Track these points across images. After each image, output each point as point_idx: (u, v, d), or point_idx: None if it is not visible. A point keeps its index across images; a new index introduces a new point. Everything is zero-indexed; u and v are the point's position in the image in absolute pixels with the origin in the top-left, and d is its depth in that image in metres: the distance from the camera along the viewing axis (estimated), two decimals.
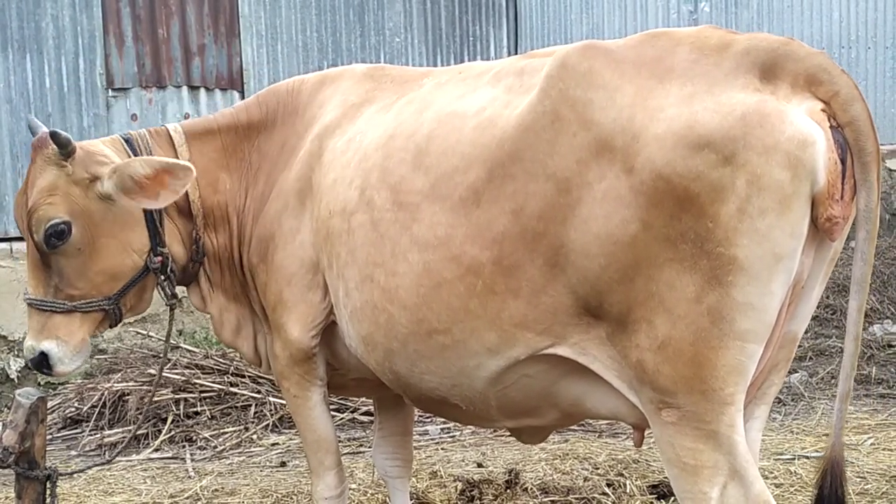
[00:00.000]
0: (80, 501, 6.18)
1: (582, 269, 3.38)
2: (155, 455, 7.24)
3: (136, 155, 4.40)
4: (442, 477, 6.15)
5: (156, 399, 7.67)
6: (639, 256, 3.27)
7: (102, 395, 7.83)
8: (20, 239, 8.98)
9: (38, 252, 4.28)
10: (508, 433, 4.36)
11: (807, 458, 6.34)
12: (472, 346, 3.68)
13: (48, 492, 4.48)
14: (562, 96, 3.44)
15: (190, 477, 6.65)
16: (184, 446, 7.37)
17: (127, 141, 4.51)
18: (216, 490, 6.24)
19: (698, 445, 3.33)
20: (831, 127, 3.20)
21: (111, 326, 4.50)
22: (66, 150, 4.23)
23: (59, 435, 7.84)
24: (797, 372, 8.39)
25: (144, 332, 8.86)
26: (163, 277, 4.47)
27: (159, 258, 4.41)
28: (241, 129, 4.65)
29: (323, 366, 4.40)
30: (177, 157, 4.47)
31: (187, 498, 6.13)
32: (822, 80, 3.24)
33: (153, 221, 4.40)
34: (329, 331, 4.31)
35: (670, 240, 3.23)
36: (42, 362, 4.31)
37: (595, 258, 3.35)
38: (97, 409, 7.77)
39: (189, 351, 8.52)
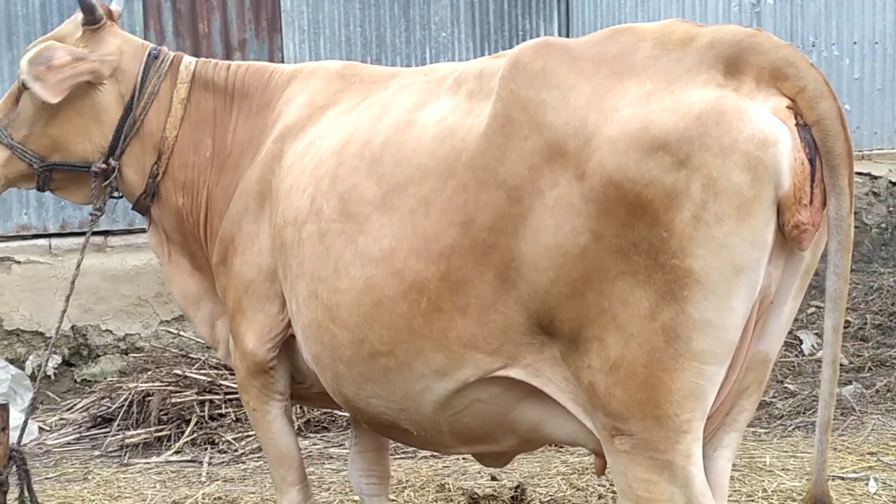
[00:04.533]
0: None
1: (532, 283, 3.13)
2: (174, 458, 7.10)
3: (146, 73, 4.46)
4: (450, 490, 5.90)
5: (180, 400, 7.55)
6: (589, 269, 3.01)
7: (130, 394, 7.72)
8: (58, 235, 8.96)
9: (18, 85, 4.41)
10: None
11: (842, 478, 5.95)
12: (418, 368, 3.43)
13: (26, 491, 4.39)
14: (513, 97, 3.18)
15: (202, 482, 6.50)
16: (205, 449, 7.23)
17: (149, 55, 4.52)
18: (217, 498, 6.06)
19: (652, 476, 3.05)
20: (798, 125, 2.89)
21: (36, 189, 4.58)
22: (87, 17, 4.39)
23: (87, 434, 7.75)
24: (851, 384, 7.95)
25: (175, 332, 8.76)
26: (98, 184, 4.46)
27: (104, 166, 4.43)
28: (229, 99, 4.49)
29: (284, 379, 4.19)
30: (174, 93, 4.47)
31: None
32: (787, 74, 2.94)
33: (121, 130, 4.42)
34: (289, 343, 4.09)
35: (622, 251, 2.96)
36: None
37: (545, 271, 3.09)
38: (123, 409, 7.66)
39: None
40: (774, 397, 7.86)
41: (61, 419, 8.08)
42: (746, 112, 2.86)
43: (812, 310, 9.09)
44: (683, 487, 3.02)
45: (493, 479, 6.15)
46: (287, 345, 4.12)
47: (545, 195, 3.08)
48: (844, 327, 9.07)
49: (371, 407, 3.68)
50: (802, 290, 3.17)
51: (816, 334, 9.02)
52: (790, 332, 8.99)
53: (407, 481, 6.15)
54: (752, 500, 5.70)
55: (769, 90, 2.94)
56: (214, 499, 6.06)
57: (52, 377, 8.80)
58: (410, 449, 6.53)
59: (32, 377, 8.62)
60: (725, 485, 3.35)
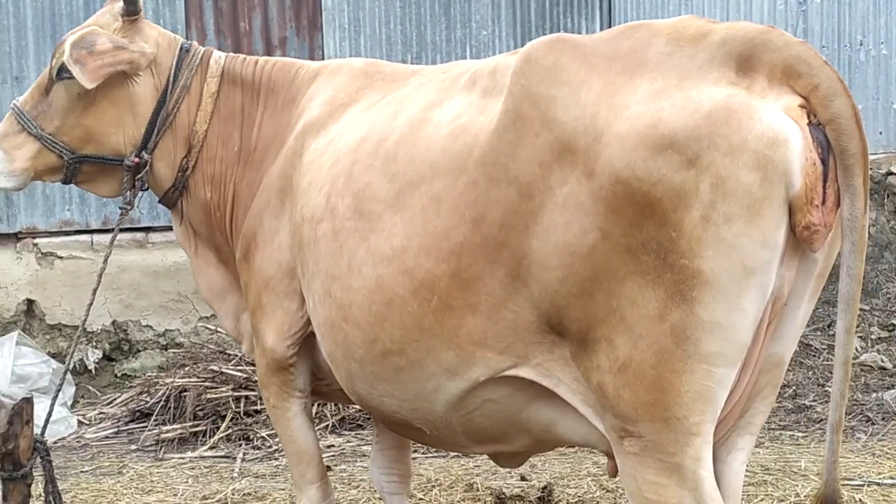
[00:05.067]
0: (116, 499, 6.12)
1: (542, 281, 3.10)
2: (208, 453, 7.14)
3: (179, 66, 4.46)
4: (478, 490, 5.88)
5: (215, 396, 7.58)
6: (598, 269, 2.97)
7: (167, 390, 7.77)
8: (101, 231, 9.03)
9: (48, 76, 4.39)
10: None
11: (878, 484, 5.85)
12: (429, 367, 3.41)
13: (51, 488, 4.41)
14: (524, 93, 3.15)
15: (233, 478, 6.53)
16: (240, 445, 7.25)
17: (181, 48, 4.52)
18: (247, 494, 6.09)
19: (661, 479, 3.01)
20: (811, 124, 2.84)
21: (62, 181, 4.53)
22: (129, 7, 4.36)
23: (124, 428, 7.82)
24: (893, 388, 7.81)
25: (213, 328, 8.80)
26: (129, 178, 4.44)
27: (136, 160, 4.41)
28: (256, 95, 4.49)
29: (304, 376, 4.19)
30: (204, 87, 4.47)
31: (217, 501, 5.99)
32: (800, 72, 2.88)
33: (154, 124, 4.41)
34: (309, 340, 4.08)
35: (631, 251, 2.92)
36: None
37: (554, 270, 3.05)
38: (160, 404, 7.71)
39: None
40: (814, 401, 7.76)
41: (101, 413, 8.17)
42: (756, 110, 2.81)
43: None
44: (693, 491, 2.97)
45: (523, 479, 6.11)
46: (307, 342, 4.11)
47: (555, 192, 3.05)
48: (890, 331, 8.96)
49: (384, 406, 3.66)
50: (817, 292, 3.12)
51: (860, 338, 8.89)
52: (833, 336, 8.89)
53: (436, 480, 6.14)
54: None
55: (781, 88, 2.89)
56: (244, 494, 6.09)
57: (93, 371, 8.88)
58: None
59: (74, 371, 8.72)
60: (739, 488, 3.30)
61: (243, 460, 6.93)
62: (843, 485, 5.78)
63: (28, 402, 4.25)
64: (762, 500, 5.66)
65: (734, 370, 2.96)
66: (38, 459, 4.31)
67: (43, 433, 4.39)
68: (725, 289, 2.85)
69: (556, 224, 3.04)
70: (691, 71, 2.96)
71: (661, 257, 2.88)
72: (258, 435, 7.34)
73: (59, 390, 4.66)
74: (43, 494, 4.38)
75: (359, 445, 7.15)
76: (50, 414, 4.55)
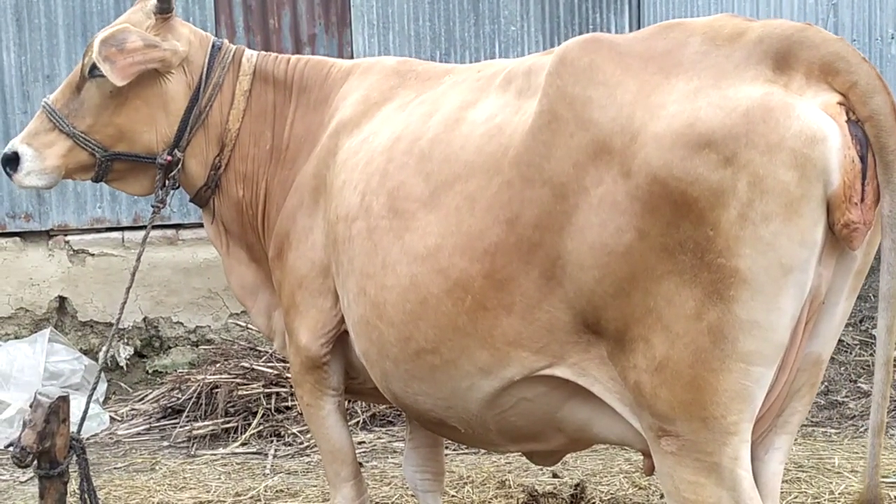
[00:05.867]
0: (149, 495, 6.15)
1: (578, 281, 3.09)
2: (240, 449, 7.17)
3: (211, 64, 4.45)
4: (510, 487, 5.88)
5: (247, 393, 7.61)
6: (635, 268, 2.97)
7: (199, 386, 7.81)
8: (132, 228, 9.08)
9: (80, 73, 4.39)
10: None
11: None
12: (463, 366, 3.41)
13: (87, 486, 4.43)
14: (559, 94, 3.15)
15: (266, 474, 6.56)
16: (271, 441, 7.29)
17: (213, 46, 4.51)
18: (280, 490, 6.12)
19: (699, 479, 3.01)
20: (849, 121, 2.82)
21: (92, 180, 4.53)
22: (162, 5, 4.33)
23: (156, 425, 7.87)
24: None
25: (243, 325, 8.83)
26: (161, 176, 4.45)
27: (169, 158, 4.41)
28: (288, 93, 4.49)
29: (337, 375, 4.20)
30: (236, 85, 4.47)
31: (250, 497, 6.02)
32: (838, 69, 2.86)
33: (187, 122, 4.41)
34: (343, 339, 4.10)
35: (668, 250, 2.91)
36: (9, 161, 4.41)
37: (590, 270, 3.05)
38: (192, 401, 7.75)
39: None
40: (847, 397, 7.71)
41: (132, 410, 8.22)
42: (794, 108, 2.80)
43: None
44: (731, 490, 2.96)
45: (555, 476, 6.11)
46: (341, 340, 4.12)
47: (590, 193, 3.04)
48: None
49: (419, 404, 3.67)
50: (856, 290, 3.10)
51: None
52: (865, 332, 8.85)
53: (468, 477, 6.15)
54: (818, 502, 5.58)
55: (819, 86, 2.87)
56: (276, 491, 6.12)
57: (125, 368, 8.94)
58: None
59: (105, 367, 8.77)
60: (778, 487, 3.28)
61: (275, 457, 6.97)
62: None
63: (65, 400, 4.27)
64: (796, 497, 5.63)
65: (772, 369, 2.95)
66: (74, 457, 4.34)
67: (79, 431, 4.41)
68: (763, 287, 2.84)
69: (591, 224, 3.03)
70: (728, 70, 2.94)
71: (699, 256, 2.87)
72: (289, 431, 7.37)
73: (94, 388, 4.67)
74: (77, 492, 4.41)
75: (390, 442, 7.17)
76: (86, 412, 4.56)
